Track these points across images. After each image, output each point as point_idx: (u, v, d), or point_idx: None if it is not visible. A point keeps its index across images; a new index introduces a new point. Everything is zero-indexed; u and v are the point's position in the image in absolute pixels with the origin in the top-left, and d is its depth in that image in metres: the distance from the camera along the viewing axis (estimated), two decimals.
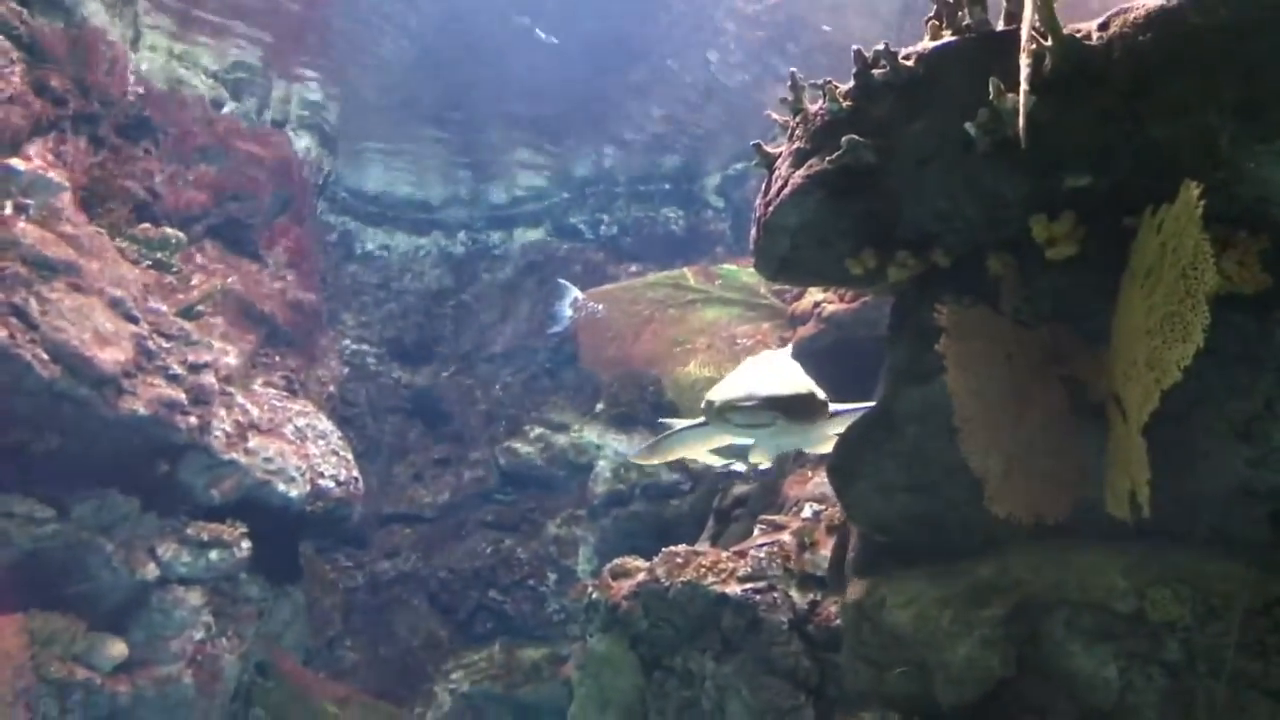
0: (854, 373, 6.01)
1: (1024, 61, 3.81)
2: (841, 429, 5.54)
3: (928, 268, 4.58)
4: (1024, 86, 3.76)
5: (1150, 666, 3.99)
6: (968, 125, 4.11)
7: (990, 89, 4.00)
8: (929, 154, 4.36)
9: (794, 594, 6.43)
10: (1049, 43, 3.95)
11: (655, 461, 7.42)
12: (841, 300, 8.07)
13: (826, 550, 6.52)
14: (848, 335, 7.73)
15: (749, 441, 6.86)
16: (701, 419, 6.37)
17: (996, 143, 4.07)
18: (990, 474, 4.20)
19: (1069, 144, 3.96)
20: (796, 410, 5.63)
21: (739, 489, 8.47)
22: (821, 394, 5.87)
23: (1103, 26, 3.90)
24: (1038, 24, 3.96)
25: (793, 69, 5.19)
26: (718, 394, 5.85)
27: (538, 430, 12.71)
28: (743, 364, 6.76)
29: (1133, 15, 3.78)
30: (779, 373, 5.97)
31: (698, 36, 12.98)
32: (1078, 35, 3.93)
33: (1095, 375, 4.08)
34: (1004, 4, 4.34)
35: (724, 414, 5.73)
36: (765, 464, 8.16)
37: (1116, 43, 3.80)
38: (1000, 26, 4.34)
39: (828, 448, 6.59)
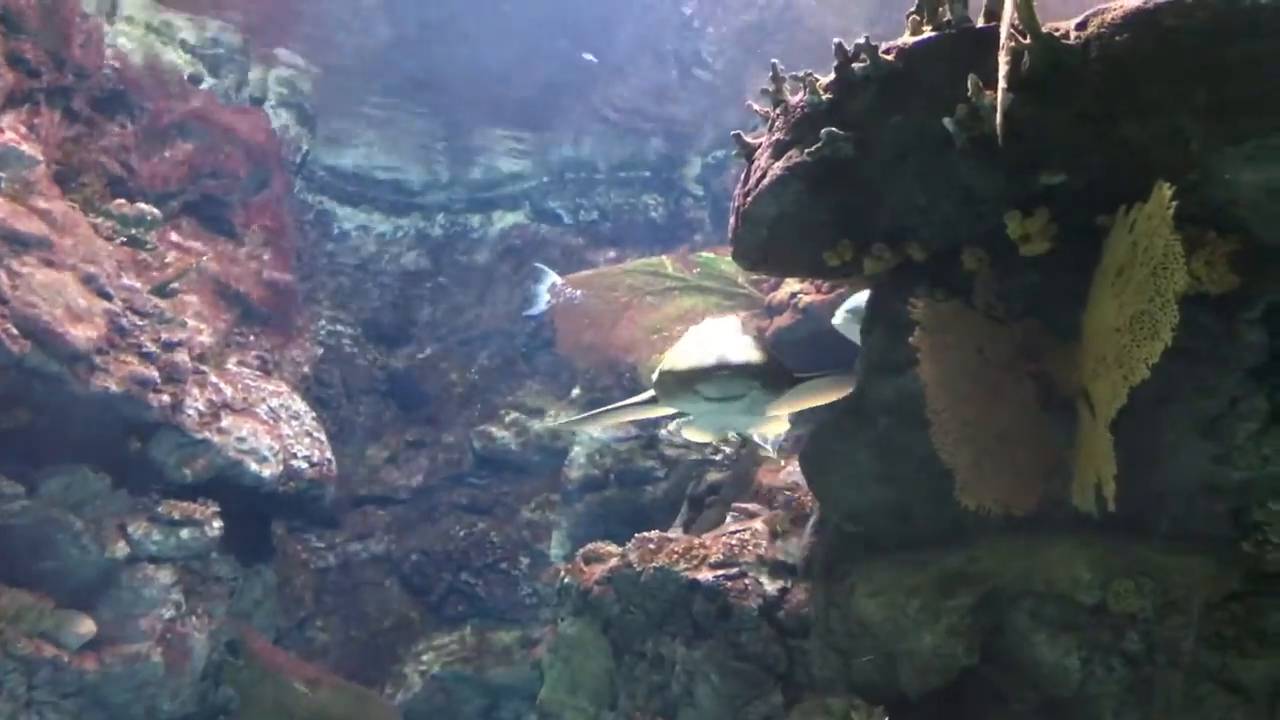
0: (828, 364, 6.06)
1: (1003, 59, 3.85)
2: (791, 406, 5.54)
3: (903, 261, 4.62)
4: (1002, 84, 3.79)
5: (1111, 657, 4.06)
6: (946, 121, 4.15)
7: (969, 86, 4.03)
8: (907, 148, 4.39)
9: (765, 581, 6.49)
10: (1028, 41, 3.99)
11: (587, 429, 7.04)
12: (818, 291, 8.11)
13: (798, 538, 6.58)
14: (824, 326, 7.77)
15: (678, 415, 6.31)
16: (647, 393, 5.95)
17: (974, 139, 4.11)
18: (960, 466, 4.25)
19: (1045, 142, 4.00)
20: (772, 380, 5.25)
21: (713, 476, 8.52)
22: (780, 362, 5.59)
23: (1080, 26, 3.94)
24: (1017, 22, 4.00)
25: (774, 60, 5.20)
26: (679, 363, 5.38)
27: (513, 415, 12.70)
28: (689, 333, 6.35)
29: (1110, 16, 3.82)
30: (742, 341, 5.57)
31: (680, 23, 12.96)
32: (1056, 34, 3.97)
33: (1065, 371, 4.14)
34: (984, 1, 4.38)
35: (690, 384, 5.23)
36: (704, 440, 7.86)
37: (1093, 43, 3.84)
38: (980, 23, 4.37)
39: (777, 427, 6.59)
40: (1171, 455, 4.07)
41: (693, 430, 6.58)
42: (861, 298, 6.16)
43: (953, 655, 4.43)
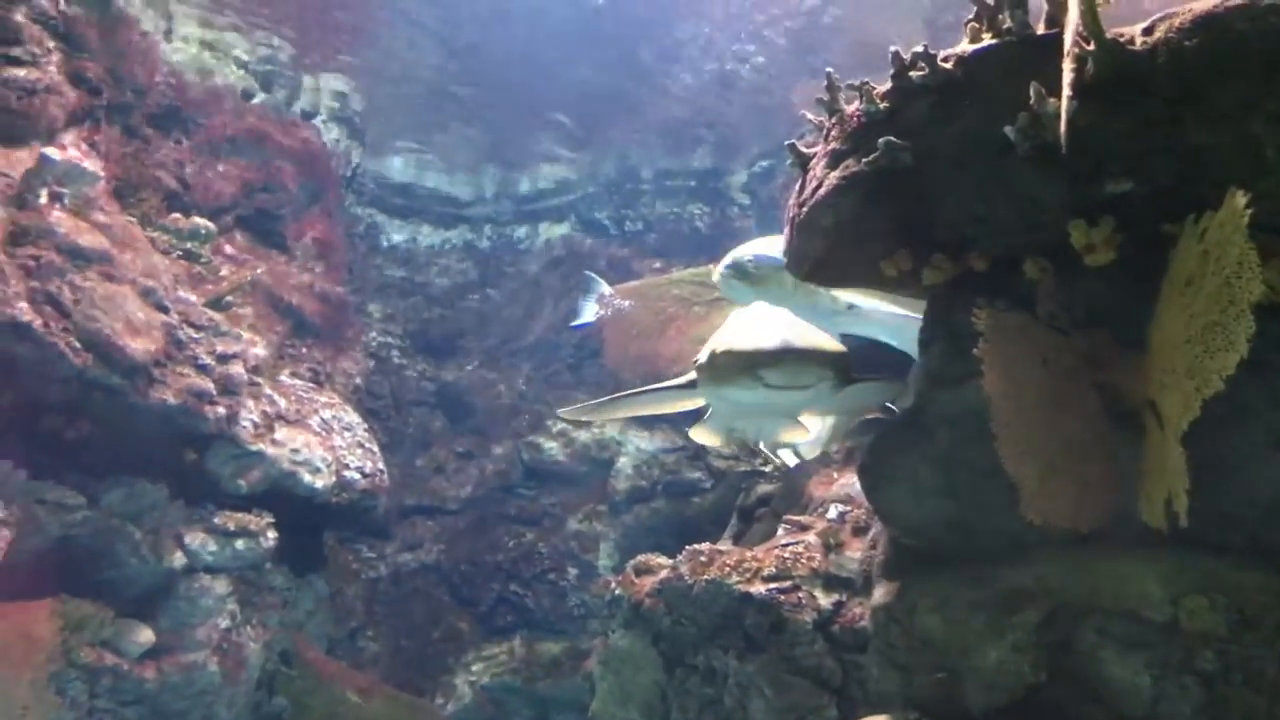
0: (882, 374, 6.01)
1: (1067, 66, 3.79)
2: (849, 408, 5.39)
3: (963, 271, 4.56)
4: (1066, 91, 3.73)
5: (1184, 676, 3.96)
6: (1007, 129, 4.10)
7: (1032, 93, 3.98)
8: (967, 157, 4.34)
9: (819, 595, 6.43)
10: (1092, 47, 3.92)
11: (598, 418, 6.56)
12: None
13: (852, 551, 6.51)
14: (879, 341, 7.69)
15: (719, 411, 6.04)
16: (684, 377, 5.65)
17: (1037, 147, 4.05)
18: (1026, 480, 4.17)
19: (1110, 150, 3.93)
20: (843, 373, 5.02)
21: (762, 488, 8.46)
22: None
23: (1147, 31, 3.87)
24: (1081, 28, 3.94)
25: (829, 69, 5.17)
26: (739, 343, 5.16)
27: (560, 426, 12.72)
28: (736, 318, 6.18)
29: (1178, 20, 3.75)
30: (807, 327, 5.38)
31: (726, 33, 12.94)
32: (1121, 40, 3.91)
33: (1132, 383, 4.05)
34: (1045, 7, 4.32)
35: (753, 367, 5.02)
36: (711, 441, 7.26)
37: (1161, 48, 3.77)
38: (1041, 30, 4.31)
39: (798, 434, 6.41)
40: (1245, 469, 3.96)
41: (703, 430, 6.35)
42: (744, 250, 6.34)
43: (1019, 672, 4.35)
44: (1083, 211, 4.10)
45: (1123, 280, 4.13)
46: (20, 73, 10.06)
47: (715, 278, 6.31)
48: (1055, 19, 4.27)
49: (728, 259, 6.32)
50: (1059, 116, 3.83)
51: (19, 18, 10.20)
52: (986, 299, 4.36)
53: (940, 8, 11.19)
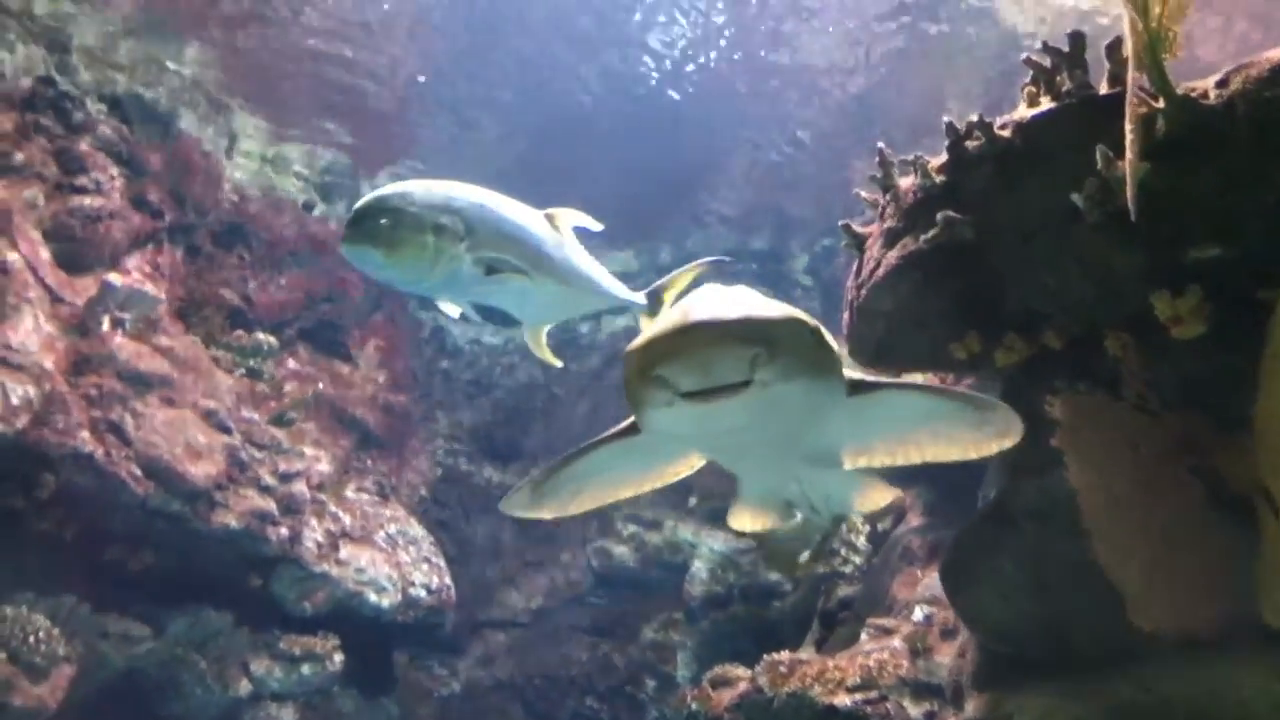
0: (963, 468, 5.70)
1: (1131, 126, 3.59)
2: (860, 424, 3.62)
3: (1038, 351, 4.31)
4: (1129, 154, 3.52)
5: None
6: (1074, 196, 3.90)
7: (1098, 157, 3.79)
8: (1032, 228, 4.16)
9: (908, 705, 6.06)
10: (1161, 104, 3.73)
11: (553, 509, 3.91)
12: (942, 383, 7.75)
13: (941, 657, 6.14)
14: None
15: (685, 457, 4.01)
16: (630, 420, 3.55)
17: (1108, 214, 3.84)
18: (1127, 580, 3.86)
19: (1190, 212, 3.69)
20: (791, 345, 2.96)
21: (843, 590, 8.12)
22: (829, 338, 3.26)
23: (1221, 84, 3.66)
24: (1146, 85, 3.75)
25: (880, 144, 5.05)
26: (634, 345, 3.17)
27: (630, 528, 12.47)
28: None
29: (1255, 71, 3.54)
30: (751, 296, 3.27)
31: (782, 114, 12.97)
32: (1192, 95, 3.71)
33: (1236, 466, 3.73)
34: (1106, 67, 4.15)
35: (650, 376, 2.96)
36: (756, 527, 4.79)
37: (1239, 100, 3.56)
38: (1104, 90, 4.14)
39: (877, 498, 4.53)
40: None
41: (742, 513, 4.60)
42: (374, 196, 5.14)
43: None
44: (1166, 281, 3.85)
45: (1216, 354, 3.84)
46: (85, 201, 10.45)
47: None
48: (1118, 77, 4.09)
49: (354, 211, 5.01)
50: (1129, 180, 3.62)
51: (84, 147, 10.65)
52: (1065, 381, 4.10)
53: (1001, 74, 11.06)
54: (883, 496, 4.55)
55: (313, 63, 12.20)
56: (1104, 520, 3.81)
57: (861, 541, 8.20)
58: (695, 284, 7.35)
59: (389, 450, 12.21)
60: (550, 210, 6.10)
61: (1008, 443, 3.67)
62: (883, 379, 3.87)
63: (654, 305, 7.31)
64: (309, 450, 10.66)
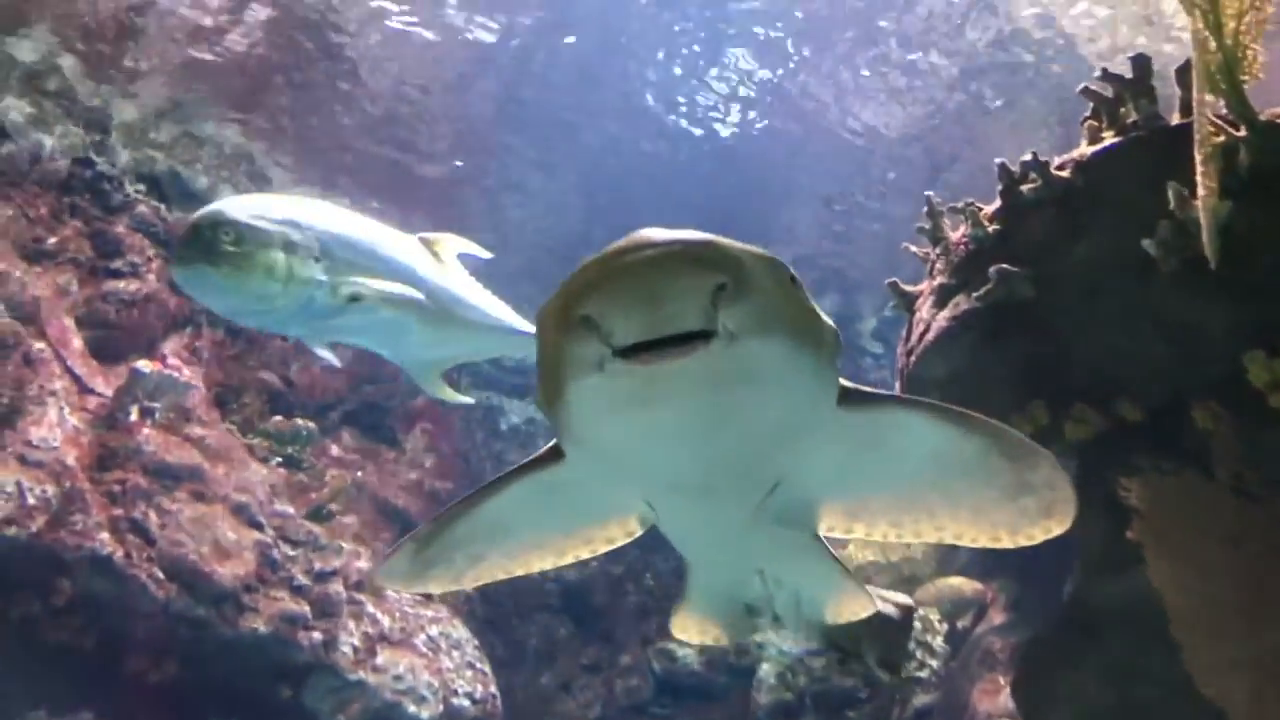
0: (1050, 558, 5.21)
1: (1201, 159, 3.22)
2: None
3: (1113, 423, 3.89)
4: (1201, 191, 3.15)
5: None
6: (1146, 243, 3.55)
7: (1171, 196, 3.42)
8: (1099, 281, 3.85)
9: None
10: (1243, 133, 3.36)
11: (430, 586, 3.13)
12: None
13: None
14: None
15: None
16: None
17: (1185, 261, 3.47)
18: (1233, 699, 3.37)
19: None
20: (765, 284, 2.24)
21: (920, 698, 7.58)
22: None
23: None
24: (1223, 112, 3.39)
25: (928, 193, 4.74)
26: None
27: None
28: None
29: None
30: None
31: (851, 170, 12.76)
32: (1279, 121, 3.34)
33: None
34: (1177, 94, 3.79)
35: (573, 324, 2.15)
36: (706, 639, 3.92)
37: None
38: (1176, 120, 3.78)
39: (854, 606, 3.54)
40: None
41: (688, 616, 3.69)
42: (212, 211, 4.65)
43: None
44: (1260, 339, 3.43)
45: None
46: (120, 285, 10.63)
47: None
48: (1192, 105, 3.73)
49: (189, 225, 4.65)
50: (1206, 221, 3.24)
51: (120, 229, 10.88)
52: (1146, 458, 3.68)
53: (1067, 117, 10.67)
54: (860, 607, 3.48)
55: (359, 138, 12.41)
56: (1199, 629, 3.34)
57: (939, 643, 7.69)
58: None
59: None
60: (428, 235, 5.70)
61: (1054, 526, 2.66)
62: (882, 391, 2.88)
63: None
64: (347, 546, 10.49)
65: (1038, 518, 2.70)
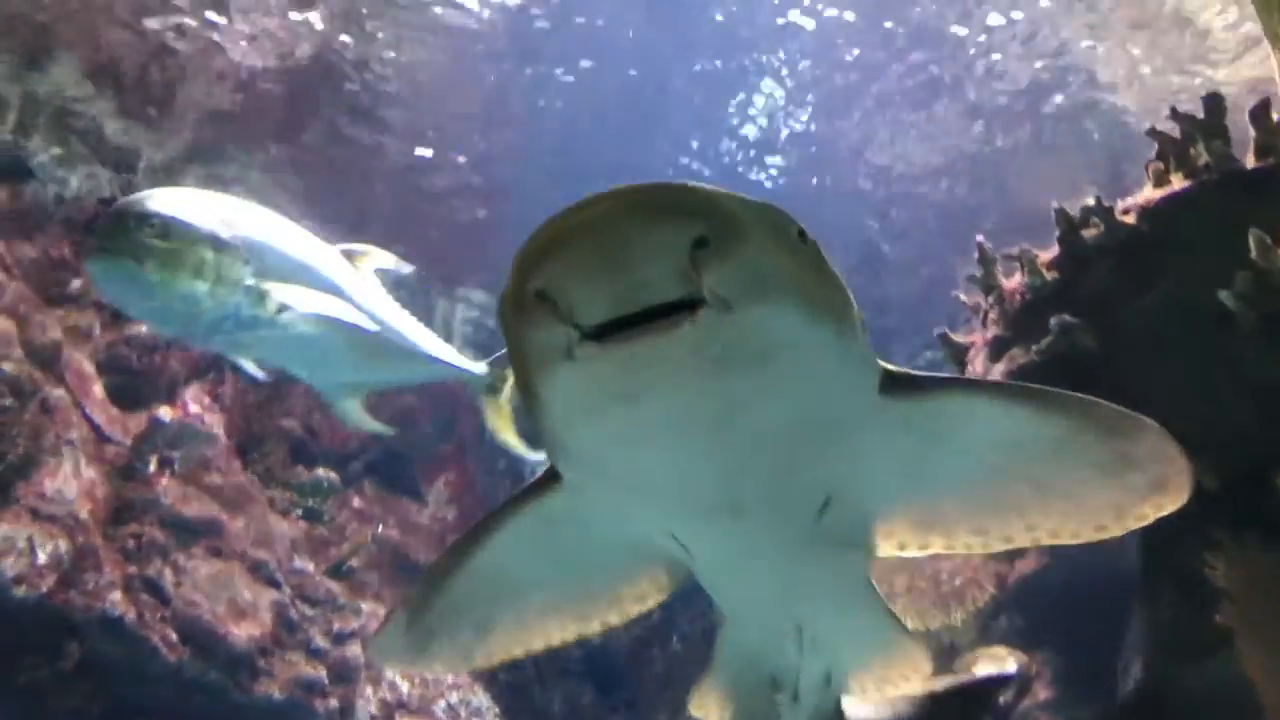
0: (1099, 627, 4.91)
1: None
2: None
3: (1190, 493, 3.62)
4: None
5: None
6: (1222, 294, 3.30)
7: (1252, 244, 3.18)
8: (1169, 335, 3.60)
9: None
10: None
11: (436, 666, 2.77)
12: None
13: None
14: (1084, 573, 6.42)
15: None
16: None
17: (1266, 316, 3.21)
18: None
19: None
20: (760, 234, 1.81)
21: None
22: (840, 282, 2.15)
23: None
24: None
25: (980, 238, 4.52)
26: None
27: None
28: None
29: None
30: None
31: (882, 213, 12.62)
32: None
33: None
34: (1251, 134, 3.56)
35: (544, 264, 1.76)
36: None
37: None
38: (1252, 162, 3.55)
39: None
40: None
41: (709, 693, 3.27)
42: (133, 202, 4.34)
43: None
44: None
45: None
46: (142, 329, 10.56)
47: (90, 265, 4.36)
48: (1270, 147, 3.50)
49: (108, 213, 4.34)
50: None
51: None
52: (1228, 532, 3.40)
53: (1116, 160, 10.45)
54: (913, 668, 3.05)
55: (384, 182, 12.41)
56: None
57: None
58: None
59: None
60: (349, 246, 5.32)
61: (1168, 502, 2.34)
62: (932, 374, 2.36)
63: (498, 380, 6.27)
64: (367, 606, 10.31)
65: (1147, 493, 2.36)
